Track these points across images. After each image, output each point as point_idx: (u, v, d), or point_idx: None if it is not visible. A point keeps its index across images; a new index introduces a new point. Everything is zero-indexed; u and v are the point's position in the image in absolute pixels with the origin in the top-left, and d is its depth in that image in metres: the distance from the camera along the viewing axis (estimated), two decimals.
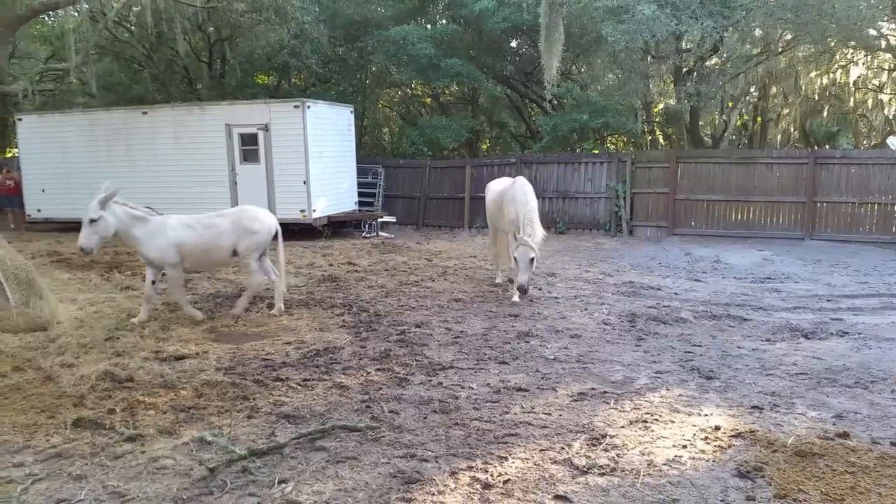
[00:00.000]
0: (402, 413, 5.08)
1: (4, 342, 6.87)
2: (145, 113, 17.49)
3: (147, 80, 23.83)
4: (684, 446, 4.48)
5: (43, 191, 18.05)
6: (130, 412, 5.11)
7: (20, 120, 18.52)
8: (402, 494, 3.80)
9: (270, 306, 8.62)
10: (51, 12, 21.20)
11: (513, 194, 9.29)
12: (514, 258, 8.70)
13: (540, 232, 9.00)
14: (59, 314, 7.97)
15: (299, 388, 5.64)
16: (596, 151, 19.18)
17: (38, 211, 18.35)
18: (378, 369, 6.16)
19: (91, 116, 18.21)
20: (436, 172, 19.91)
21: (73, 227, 17.53)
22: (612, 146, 23.86)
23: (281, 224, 16.61)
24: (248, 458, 4.31)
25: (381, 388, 5.63)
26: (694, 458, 4.29)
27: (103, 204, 7.87)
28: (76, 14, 19.78)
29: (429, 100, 26.73)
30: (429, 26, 22.34)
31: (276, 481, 4.00)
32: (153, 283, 8.09)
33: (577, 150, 19.92)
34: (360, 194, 18.52)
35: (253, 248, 8.16)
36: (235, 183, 16.60)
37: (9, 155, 24.24)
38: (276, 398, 5.42)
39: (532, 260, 8.65)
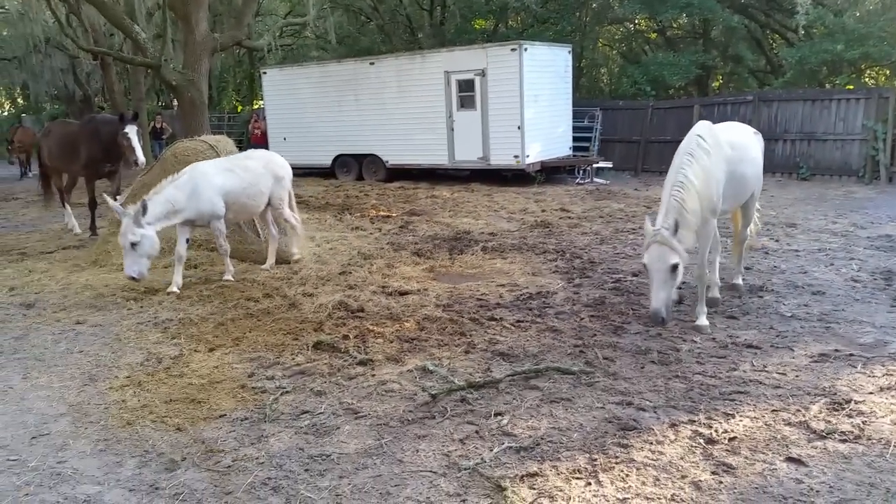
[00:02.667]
0: (617, 361, 4.91)
1: (256, 273, 7.79)
2: (372, 63, 18.44)
3: (373, 31, 25.12)
4: None
5: (284, 139, 19.95)
6: (361, 339, 5.53)
7: (265, 73, 20.52)
8: (619, 440, 3.69)
9: (484, 249, 8.79)
10: None
11: (677, 154, 5.66)
12: (644, 264, 5.21)
13: (693, 221, 5.26)
14: (301, 249, 8.83)
15: (513, 328, 5.70)
16: (850, 87, 16.67)
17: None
18: (592, 316, 6.01)
19: (324, 68, 19.61)
20: (658, 114, 18.67)
21: (310, 172, 19.46)
22: (871, 80, 20.61)
23: (494, 170, 16.88)
24: (466, 389, 4.46)
25: (594, 335, 5.49)
26: None
27: (138, 222, 6.61)
28: None
29: (654, 35, 25.07)
30: None
31: (493, 413, 4.09)
32: (187, 241, 7.37)
33: (828, 85, 17.47)
34: (575, 139, 18.04)
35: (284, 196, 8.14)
36: (452, 129, 17.03)
37: (256, 106, 27.05)
38: (491, 336, 5.53)
39: (675, 268, 5.00)
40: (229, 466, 3.61)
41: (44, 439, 3.94)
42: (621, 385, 4.45)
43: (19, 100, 34.54)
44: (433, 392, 4.35)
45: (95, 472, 3.57)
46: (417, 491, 3.30)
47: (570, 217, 11.44)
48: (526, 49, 15.61)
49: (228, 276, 7.48)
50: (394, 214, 12.30)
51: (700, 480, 3.26)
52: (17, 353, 5.38)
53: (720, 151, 5.61)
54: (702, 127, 5.78)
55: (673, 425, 3.84)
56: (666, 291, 4.99)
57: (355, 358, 5.11)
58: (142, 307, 6.49)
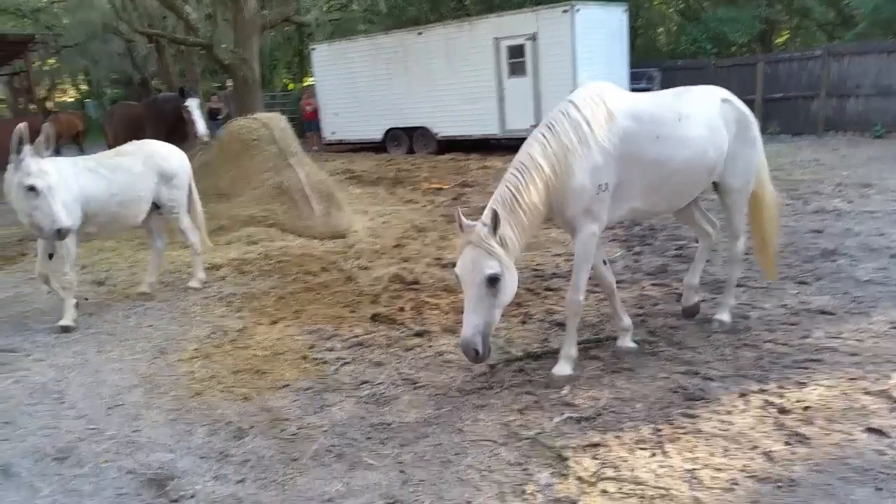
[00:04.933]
0: (681, 329, 4.78)
1: (313, 247, 7.89)
2: (420, 34, 18.26)
3: (420, 0, 24.74)
4: None
5: (337, 114, 20.05)
6: (417, 311, 5.54)
7: (314, 49, 20.58)
8: (685, 410, 3.59)
9: None
10: None
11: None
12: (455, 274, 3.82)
13: (530, 221, 3.86)
14: (355, 224, 8.90)
15: None
16: None
17: (333, 133, 20.51)
18: (654, 284, 5.86)
19: (372, 41, 19.53)
20: (720, 72, 17.83)
21: (362, 147, 19.55)
22: None
23: None
24: (524, 359, 4.42)
25: (657, 304, 5.36)
26: None
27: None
28: None
29: None
30: None
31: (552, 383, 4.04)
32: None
33: None
34: None
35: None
36: (502, 98, 16.76)
37: (306, 83, 27.23)
38: (548, 307, 5.46)
39: (493, 281, 3.56)
40: (294, 434, 3.69)
41: (119, 409, 4.09)
42: (686, 354, 4.33)
43: (82, 85, 35.71)
44: (491, 363, 4.33)
45: (168, 441, 3.69)
46: (478, 459, 3.29)
47: None
48: (578, 10, 15.16)
49: (68, 321, 5.53)
50: (446, 186, 12.25)
51: (772, 451, 3.14)
52: (91, 328, 5.59)
53: (607, 124, 3.99)
54: (580, 91, 4.21)
55: (742, 395, 3.71)
56: (481, 313, 3.52)
57: (412, 329, 5.13)
58: (207, 283, 6.66)
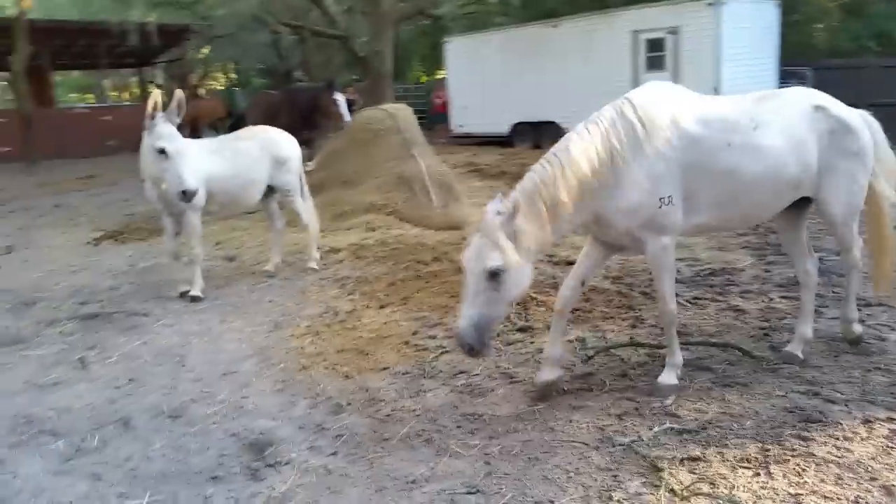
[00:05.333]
0: (806, 346, 4.40)
1: (428, 237, 8.01)
2: (555, 26, 17.98)
3: None
4: None
5: (465, 107, 20.21)
6: (523, 306, 5.47)
7: (447, 42, 20.84)
8: (799, 431, 3.30)
9: None
10: None
11: None
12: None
13: (555, 219, 3.55)
14: (472, 216, 8.93)
15: (689, 305, 5.33)
16: None
17: (460, 126, 20.70)
18: (783, 297, 5.44)
19: (506, 34, 19.47)
20: (884, 73, 16.24)
21: (488, 141, 19.59)
22: None
23: None
24: (629, 364, 4.26)
25: (784, 318, 4.97)
26: None
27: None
28: None
29: None
30: None
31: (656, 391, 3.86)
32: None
33: None
34: None
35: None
36: None
37: (440, 76, 27.65)
38: None
39: (495, 275, 3.32)
40: (388, 415, 3.77)
41: (232, 376, 4.37)
42: (809, 373, 3.99)
43: (231, 74, 38.39)
44: (592, 361, 4.21)
45: (272, 409, 3.89)
46: (567, 460, 3.21)
47: None
48: (725, 3, 14.32)
49: (197, 292, 6.03)
50: None
51: (893, 485, 2.83)
52: (218, 300, 6.01)
53: (671, 129, 3.64)
54: (642, 89, 3.91)
55: (867, 422, 3.37)
56: (479, 306, 3.32)
57: (515, 324, 5.08)
58: (325, 265, 6.96)
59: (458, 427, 3.61)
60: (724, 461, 3.09)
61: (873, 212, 4.21)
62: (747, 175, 3.74)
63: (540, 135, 18.47)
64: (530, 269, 3.51)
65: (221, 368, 4.48)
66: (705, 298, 5.45)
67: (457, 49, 20.46)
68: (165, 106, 5.56)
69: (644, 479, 3.00)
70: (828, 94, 4.17)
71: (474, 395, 3.98)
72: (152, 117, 5.46)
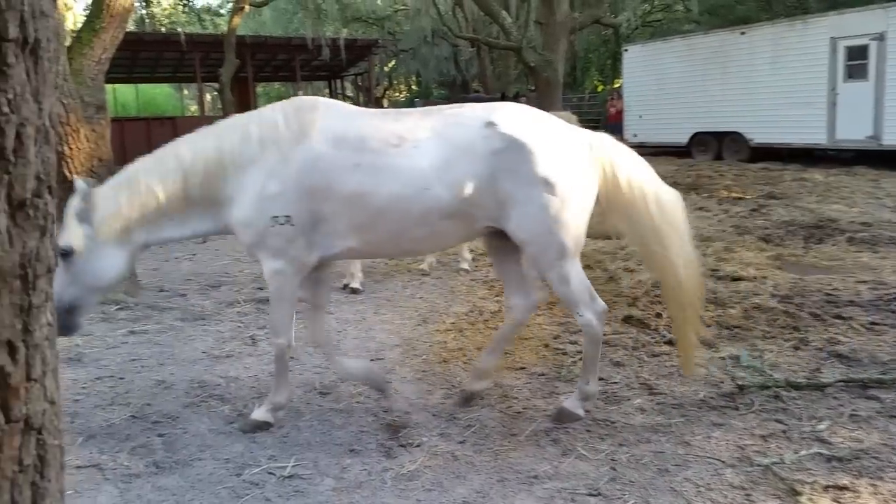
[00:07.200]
0: None
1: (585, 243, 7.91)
2: (743, 33, 17.00)
3: None
4: None
5: (640, 117, 19.62)
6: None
7: (626, 51, 20.38)
8: None
9: (851, 241, 7.53)
10: None
11: None
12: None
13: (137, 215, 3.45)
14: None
15: (863, 329, 4.82)
16: None
17: (634, 136, 20.07)
18: None
19: (689, 41, 18.69)
20: None
21: (663, 151, 18.86)
22: None
23: (887, 151, 14.21)
24: (784, 387, 3.95)
25: None
26: None
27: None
28: None
29: None
30: None
31: (809, 416, 3.56)
32: None
33: None
34: None
35: None
36: (834, 104, 14.81)
37: (616, 85, 27.11)
38: (832, 336, 4.76)
39: (65, 255, 3.24)
40: (518, 413, 3.82)
41: (379, 363, 4.65)
42: None
43: (413, 86, 40.32)
44: (741, 383, 3.96)
45: (410, 395, 4.10)
46: (698, 475, 3.06)
47: None
48: None
49: (356, 284, 6.41)
50: (747, 196, 11.28)
51: None
52: (375, 293, 6.41)
53: (293, 146, 3.37)
54: (282, 103, 3.67)
55: None
56: (56, 286, 2.97)
57: (664, 336, 4.90)
58: (476, 267, 7.15)
59: (588, 431, 3.57)
60: (875, 493, 2.80)
61: (656, 267, 3.65)
62: (378, 199, 3.34)
63: (722, 145, 17.50)
64: (123, 258, 3.44)
65: (370, 355, 4.79)
66: (884, 324, 4.89)
67: (635, 57, 19.96)
68: None
69: (779, 501, 2.80)
70: (534, 109, 3.62)
71: (609, 402, 3.91)
72: None
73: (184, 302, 6.23)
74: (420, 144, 3.36)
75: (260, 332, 5.31)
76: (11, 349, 1.10)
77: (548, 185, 3.31)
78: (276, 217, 3.35)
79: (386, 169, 3.33)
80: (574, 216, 3.41)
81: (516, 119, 3.42)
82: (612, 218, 3.66)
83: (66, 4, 11.26)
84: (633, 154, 3.72)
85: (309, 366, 4.62)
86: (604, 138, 3.68)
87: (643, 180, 3.61)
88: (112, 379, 4.47)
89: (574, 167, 3.43)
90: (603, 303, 3.60)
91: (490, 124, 3.36)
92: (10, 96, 1.06)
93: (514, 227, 3.41)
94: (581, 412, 3.64)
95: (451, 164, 3.33)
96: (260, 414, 3.69)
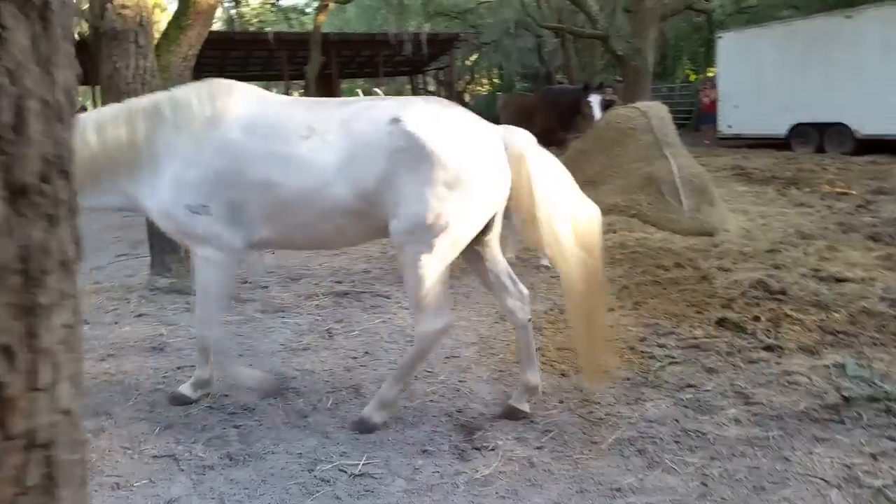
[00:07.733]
0: None
1: (673, 241, 7.53)
2: (848, 17, 15.85)
3: None
4: None
5: (736, 107, 18.64)
6: (774, 323, 4.89)
7: (720, 38, 19.40)
8: None
9: None
10: None
11: None
12: None
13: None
14: (728, 223, 8.21)
15: None
16: None
17: (729, 127, 19.10)
18: None
19: (789, 27, 17.61)
20: None
21: (761, 143, 17.87)
22: None
23: None
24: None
25: None
26: None
27: None
28: None
29: None
30: None
31: None
32: None
33: None
34: None
35: None
36: None
37: (709, 74, 25.93)
38: None
39: None
40: (601, 419, 3.62)
41: (454, 360, 4.54)
42: None
43: (495, 79, 40.00)
44: (848, 394, 3.61)
45: (486, 396, 3.97)
46: (798, 495, 2.79)
47: None
48: None
49: None
50: (853, 192, 10.49)
51: None
52: (451, 289, 6.20)
53: (202, 131, 3.31)
54: (199, 84, 3.54)
55: None
56: None
57: (762, 342, 4.55)
58: None
59: (677, 442, 3.33)
60: None
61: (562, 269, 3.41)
62: (284, 190, 3.25)
63: (824, 137, 16.42)
64: None
65: (445, 352, 4.68)
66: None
67: (730, 44, 18.97)
68: None
69: None
70: (453, 105, 3.40)
71: (700, 412, 3.64)
72: None
73: (265, 294, 6.33)
74: (327, 137, 3.27)
75: (337, 326, 5.30)
76: (8, 355, 0.95)
77: (445, 187, 3.15)
78: (190, 205, 3.33)
79: (293, 160, 3.25)
80: (462, 221, 3.25)
81: (424, 117, 3.24)
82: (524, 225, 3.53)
83: (160, 5, 11.73)
84: (551, 159, 3.53)
85: (384, 361, 4.57)
86: (519, 137, 3.47)
87: (553, 190, 3.41)
88: (193, 369, 4.56)
89: (478, 171, 3.25)
90: (450, 319, 3.53)
91: (395, 121, 3.21)
92: (9, 64, 0.93)
93: (394, 226, 3.25)
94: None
95: (353, 161, 3.22)
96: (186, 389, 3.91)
